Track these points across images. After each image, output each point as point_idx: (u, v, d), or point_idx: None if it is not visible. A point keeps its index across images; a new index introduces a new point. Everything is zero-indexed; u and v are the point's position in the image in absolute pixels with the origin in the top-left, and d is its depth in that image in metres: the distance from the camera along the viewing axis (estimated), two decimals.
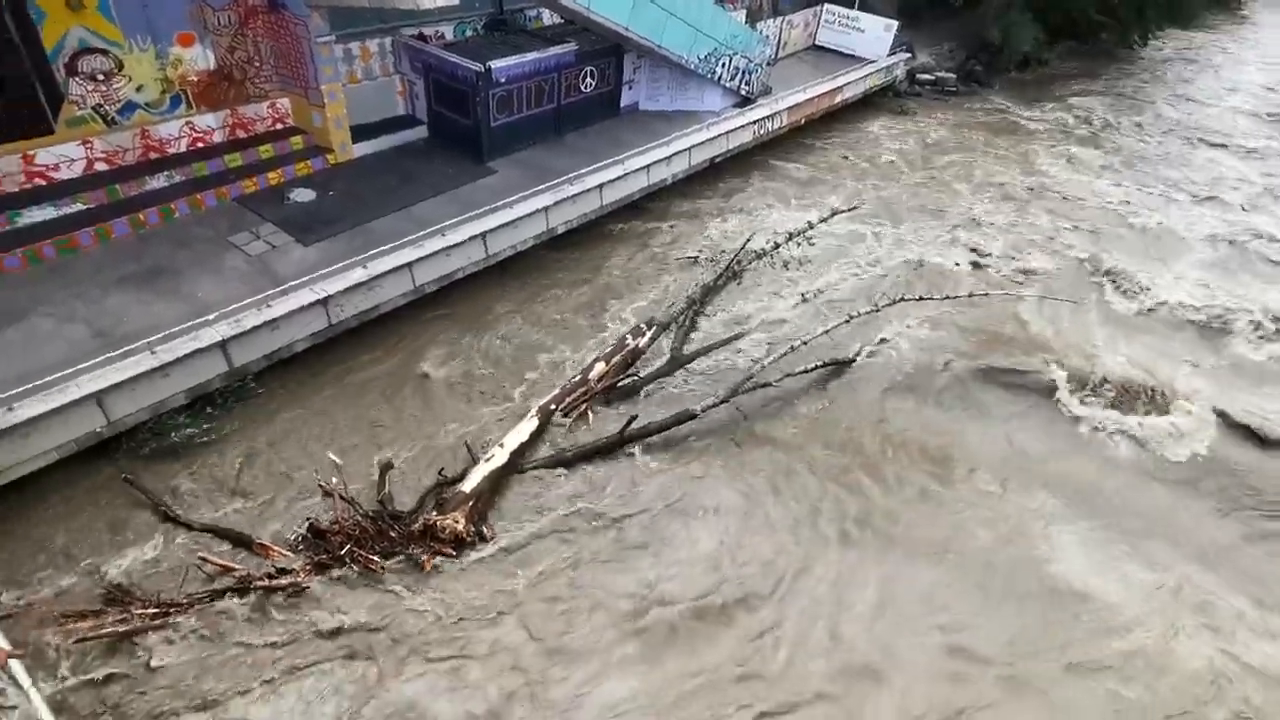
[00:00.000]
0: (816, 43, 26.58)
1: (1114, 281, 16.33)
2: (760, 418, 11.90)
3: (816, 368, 12.70)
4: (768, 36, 21.16)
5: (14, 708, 2.25)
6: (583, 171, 15.95)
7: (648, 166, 17.03)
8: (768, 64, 20.84)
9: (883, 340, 13.81)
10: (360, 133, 15.71)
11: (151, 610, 8.29)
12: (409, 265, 12.71)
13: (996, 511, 10.61)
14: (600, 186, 15.94)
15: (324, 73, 14.23)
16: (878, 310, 13.16)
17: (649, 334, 13.27)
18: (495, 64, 15.32)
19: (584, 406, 11.74)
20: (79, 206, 12.51)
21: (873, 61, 25.36)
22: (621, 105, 19.30)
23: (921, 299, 13.62)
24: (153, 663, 7.85)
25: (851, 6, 25.84)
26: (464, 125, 16.17)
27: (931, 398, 12.67)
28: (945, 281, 15.75)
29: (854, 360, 13.17)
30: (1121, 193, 20.88)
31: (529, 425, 11.04)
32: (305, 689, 7.79)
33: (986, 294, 14.16)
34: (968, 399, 12.73)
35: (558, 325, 13.69)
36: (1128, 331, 14.80)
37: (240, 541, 9.28)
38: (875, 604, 9.16)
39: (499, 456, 10.39)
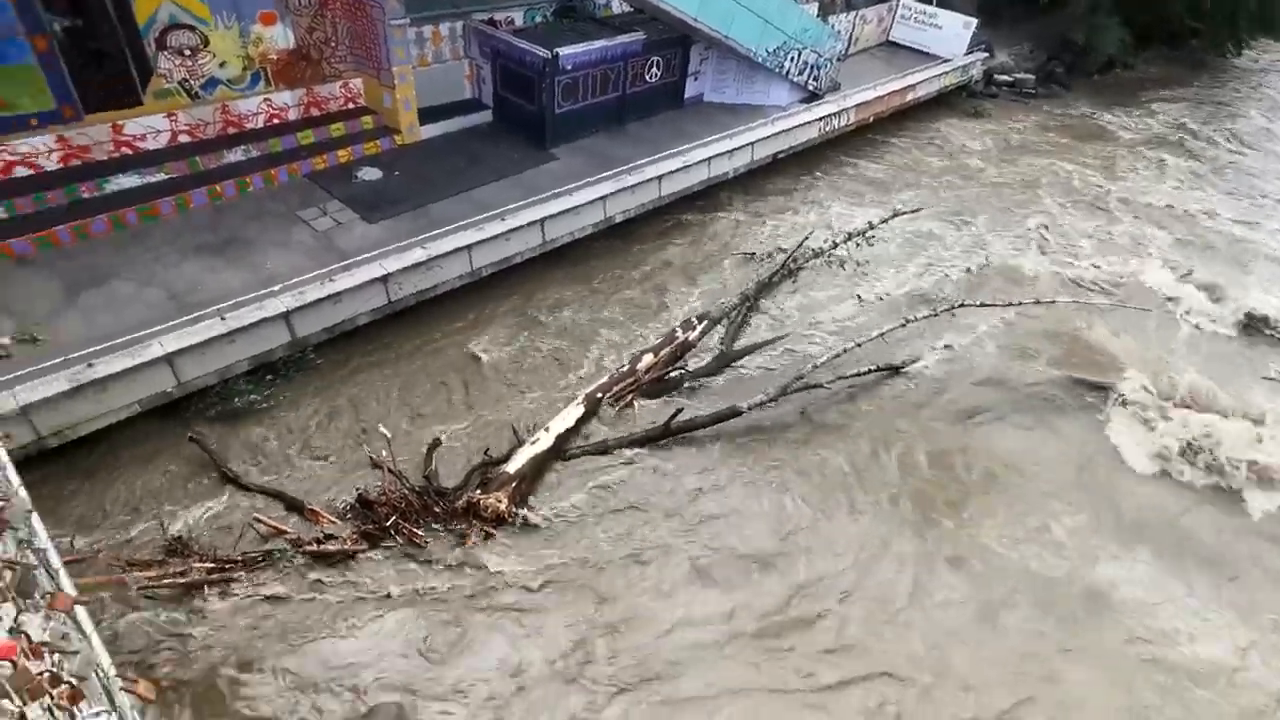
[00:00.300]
0: (890, 39, 25.91)
1: (1198, 294, 15.51)
2: (807, 419, 11.74)
3: (869, 371, 12.45)
4: (839, 31, 20.76)
5: (76, 652, 2.39)
6: (643, 161, 15.94)
7: (709, 159, 16.90)
8: (838, 59, 20.41)
9: (941, 346, 13.46)
10: (427, 115, 16.02)
11: (209, 565, 8.69)
12: (468, 248, 12.92)
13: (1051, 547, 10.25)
14: (660, 177, 15.91)
15: (396, 55, 14.55)
16: (936, 314, 12.80)
17: (699, 328, 13.21)
18: (562, 51, 15.40)
19: (630, 397, 11.78)
20: (162, 176, 13.11)
21: (948, 60, 24.60)
22: (686, 97, 19.18)
23: (984, 304, 13.21)
24: (207, 613, 8.25)
25: (930, 3, 25.10)
26: (528, 111, 16.32)
27: (987, 409, 12.28)
28: (1012, 288, 15.23)
29: (907, 366, 12.86)
30: (1211, 203, 19.83)
31: (575, 411, 11.14)
32: (346, 647, 8.07)
33: (1054, 301, 13.62)
34: (1028, 412, 12.30)
35: (609, 315, 13.74)
36: (1209, 348, 14.06)
37: (293, 506, 9.64)
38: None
39: (544, 440, 10.51)
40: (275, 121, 14.78)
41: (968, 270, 15.92)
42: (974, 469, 11.13)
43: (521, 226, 13.58)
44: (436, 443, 10.64)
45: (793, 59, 18.93)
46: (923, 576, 9.48)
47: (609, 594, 8.96)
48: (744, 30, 17.46)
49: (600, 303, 14.03)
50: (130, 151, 13.18)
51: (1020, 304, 13.46)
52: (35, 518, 3.64)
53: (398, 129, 15.52)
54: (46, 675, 2.17)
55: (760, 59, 18.24)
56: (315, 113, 15.30)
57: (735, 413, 11.23)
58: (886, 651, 8.58)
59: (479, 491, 9.73)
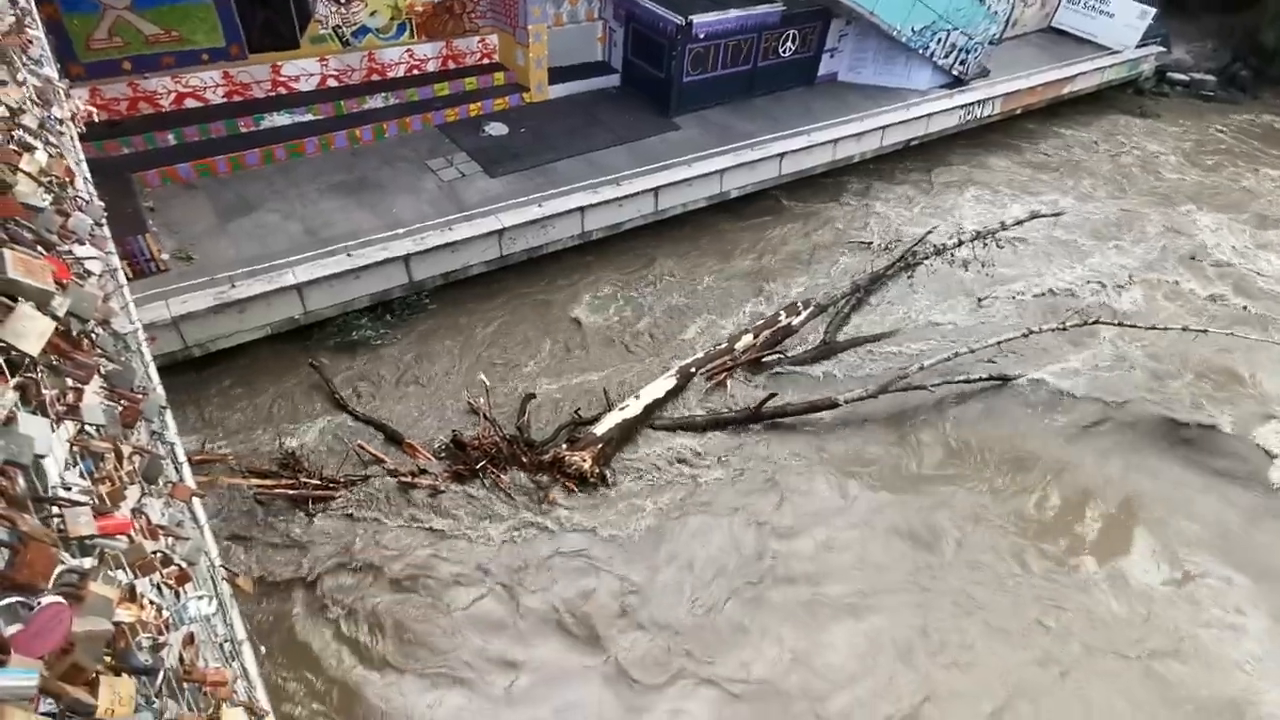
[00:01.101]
0: (1054, 24, 23.89)
1: None
2: (906, 420, 11.26)
3: (979, 380, 11.76)
4: (996, 13, 19.31)
5: (188, 539, 2.65)
6: (766, 138, 15.57)
7: (835, 141, 16.29)
8: (990, 43, 19.05)
9: (1063, 364, 12.50)
10: (557, 75, 16.26)
11: (315, 482, 9.41)
12: (581, 210, 13.11)
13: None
14: (781, 155, 15.49)
15: (533, 13, 14.80)
16: (1065, 328, 11.86)
17: (805, 313, 12.88)
18: (697, 19, 15.17)
19: (725, 375, 11.68)
20: (310, 117, 14.00)
21: (1117, 52, 22.44)
22: (819, 74, 18.50)
23: (1121, 324, 12.13)
24: (312, 524, 8.95)
25: None
26: (656, 77, 16.24)
27: (1107, 440, 11.28)
28: (1153, 310, 13.88)
29: (1020, 378, 12.03)
30: None
31: (667, 383, 11.17)
32: (437, 569, 8.56)
33: (1206, 331, 12.30)
34: (1153, 451, 11.17)
35: (713, 290, 13.62)
36: None
37: (393, 438, 10.23)
38: None
39: (634, 407, 10.62)
40: (415, 72, 15.42)
41: (1102, 284, 14.57)
42: (1101, 505, 10.27)
43: (636, 193, 13.62)
44: (530, 396, 10.97)
45: (940, 40, 17.83)
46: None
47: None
48: (890, 6, 16.59)
49: (704, 277, 13.92)
50: (285, 91, 14.14)
51: (1164, 328, 12.23)
52: (169, 414, 4.03)
53: (527, 86, 15.84)
54: (159, 555, 2.41)
55: (904, 38, 17.29)
56: (452, 65, 15.85)
57: (831, 404, 10.92)
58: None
59: (566, 448, 9.98)
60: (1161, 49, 23.52)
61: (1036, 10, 23.20)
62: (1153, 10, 21.96)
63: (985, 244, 13.97)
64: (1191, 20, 25.33)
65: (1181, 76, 24.10)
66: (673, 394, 11.19)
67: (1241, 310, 14.14)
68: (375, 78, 14.99)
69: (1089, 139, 20.67)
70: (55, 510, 1.83)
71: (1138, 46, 22.58)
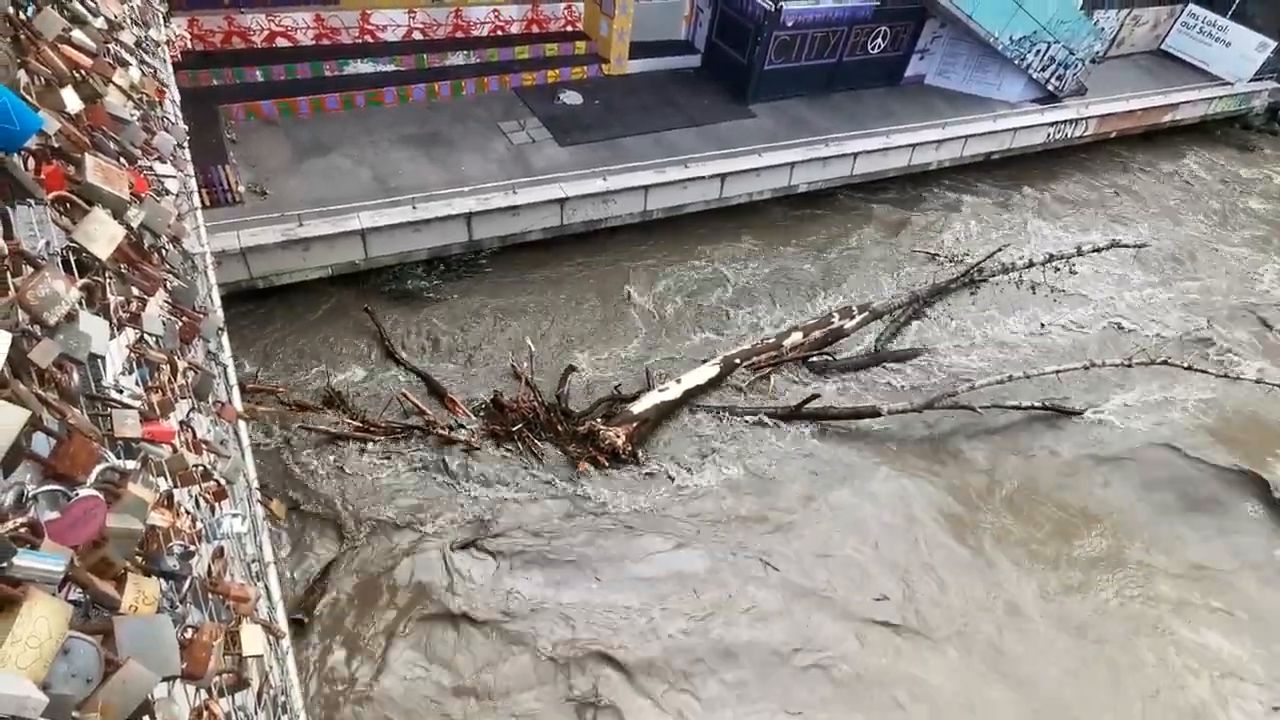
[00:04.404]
0: (1163, 47, 22.64)
1: None
2: (949, 440, 10.97)
3: (1033, 407, 11.36)
4: (1103, 29, 18.39)
5: (229, 458, 2.74)
6: (842, 135, 15.19)
7: (913, 146, 15.81)
8: (1091, 61, 18.17)
9: (1123, 403, 11.99)
10: (638, 50, 16.11)
11: (357, 423, 9.66)
12: (645, 188, 13.03)
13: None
14: (855, 155, 15.11)
15: None
16: (1130, 365, 11.34)
17: (858, 318, 12.61)
18: (787, 6, 14.83)
19: (769, 370, 11.55)
20: (392, 67, 14.20)
21: (1229, 83, 21.17)
22: (906, 74, 17.94)
23: (1191, 368, 11.54)
24: (345, 467, 9.20)
25: (1224, 14, 21.53)
26: (737, 62, 15.97)
27: (1166, 493, 10.76)
28: (1226, 358, 13.16)
29: (1080, 413, 11.60)
30: None
31: (709, 370, 11.10)
32: (463, 521, 8.74)
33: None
34: (1215, 511, 10.66)
35: (766, 283, 13.43)
36: None
37: (436, 391, 10.42)
38: None
39: (673, 390, 10.59)
40: (498, 33, 15.48)
41: (1179, 322, 13.89)
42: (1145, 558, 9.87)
43: (702, 177, 13.47)
44: (572, 368, 11.02)
45: (1038, 52, 17.07)
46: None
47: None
48: (990, 11, 15.94)
49: (760, 270, 13.72)
50: (371, 40, 14.35)
51: (1239, 378, 11.62)
52: (225, 337, 4.17)
53: (607, 58, 15.75)
54: (200, 469, 2.49)
55: (1000, 46, 16.61)
56: (535, 30, 15.85)
57: (874, 413, 10.71)
58: None
59: (602, 422, 10.01)
60: (1278, 85, 22.09)
61: (1147, 31, 22.00)
62: (1274, 43, 20.59)
63: (1057, 268, 13.40)
64: None
65: None
66: (714, 382, 11.11)
67: None
68: (459, 34, 15.09)
69: (1184, 172, 19.60)
70: (105, 410, 1.89)
71: (1252, 80, 21.26)
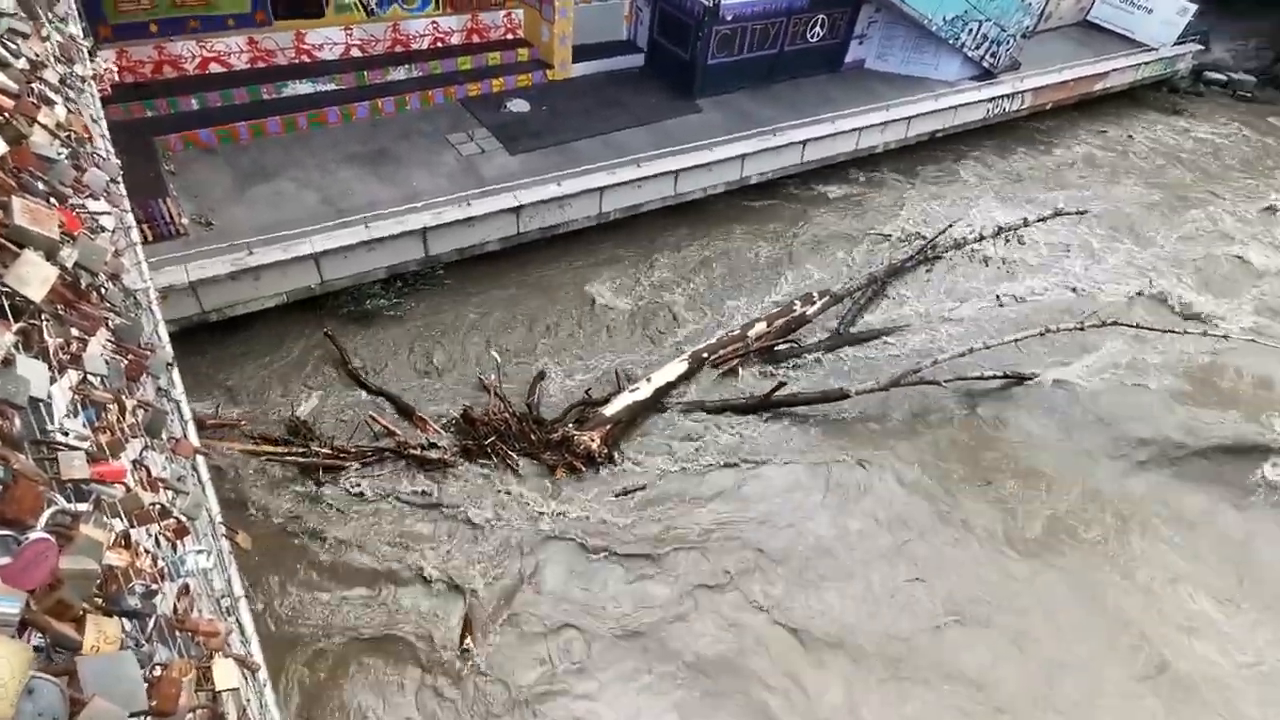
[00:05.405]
0: (1089, 18, 23.34)
1: None
2: (914, 415, 11.19)
3: (994, 377, 11.64)
4: (1030, 5, 18.88)
5: (188, 494, 2.69)
6: (788, 124, 15.38)
7: (859, 129, 16.07)
8: (1022, 35, 18.67)
9: (1079, 364, 12.34)
10: (581, 53, 16.11)
11: (326, 451, 9.50)
12: (600, 190, 13.04)
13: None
14: (804, 142, 15.32)
15: None
16: (1083, 329, 11.69)
17: (819, 304, 12.78)
18: (725, 0, 14.97)
19: (736, 362, 11.64)
20: (332, 86, 13.99)
21: (1153, 49, 21.91)
22: (846, 61, 18.22)
23: (1140, 326, 11.94)
24: (319, 494, 9.05)
25: None
26: (680, 59, 16.07)
27: (1122, 445, 11.16)
28: (1177, 314, 13.62)
29: (1035, 377, 11.89)
30: None
31: (678, 368, 11.16)
32: (445, 542, 8.66)
33: (1226, 336, 12.09)
34: (1169, 459, 11.05)
35: (727, 277, 13.54)
36: None
37: (404, 411, 10.30)
38: None
39: (644, 390, 10.63)
40: (438, 45, 15.36)
41: (1127, 283, 14.34)
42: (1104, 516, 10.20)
43: (655, 175, 13.54)
44: (541, 375, 11.00)
45: (971, 31, 17.49)
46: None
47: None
48: None
49: (720, 263, 13.83)
50: (308, 60, 14.13)
51: (1185, 333, 12.04)
52: (175, 371, 4.08)
53: (551, 63, 15.74)
54: (157, 507, 2.44)
55: (935, 27, 16.99)
56: (476, 40, 15.75)
57: (842, 395, 10.87)
58: None
59: (575, 428, 10.00)
60: (1200, 47, 22.93)
61: (1072, 4, 22.67)
62: (1193, 7, 21.37)
63: (1007, 240, 13.79)
64: (1235, 19, 24.66)
65: (1219, 76, 23.51)
66: (684, 378, 11.17)
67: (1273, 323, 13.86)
68: (399, 49, 14.94)
69: (1118, 137, 20.25)
70: (52, 453, 1.85)
71: (1175, 44, 22.03)
